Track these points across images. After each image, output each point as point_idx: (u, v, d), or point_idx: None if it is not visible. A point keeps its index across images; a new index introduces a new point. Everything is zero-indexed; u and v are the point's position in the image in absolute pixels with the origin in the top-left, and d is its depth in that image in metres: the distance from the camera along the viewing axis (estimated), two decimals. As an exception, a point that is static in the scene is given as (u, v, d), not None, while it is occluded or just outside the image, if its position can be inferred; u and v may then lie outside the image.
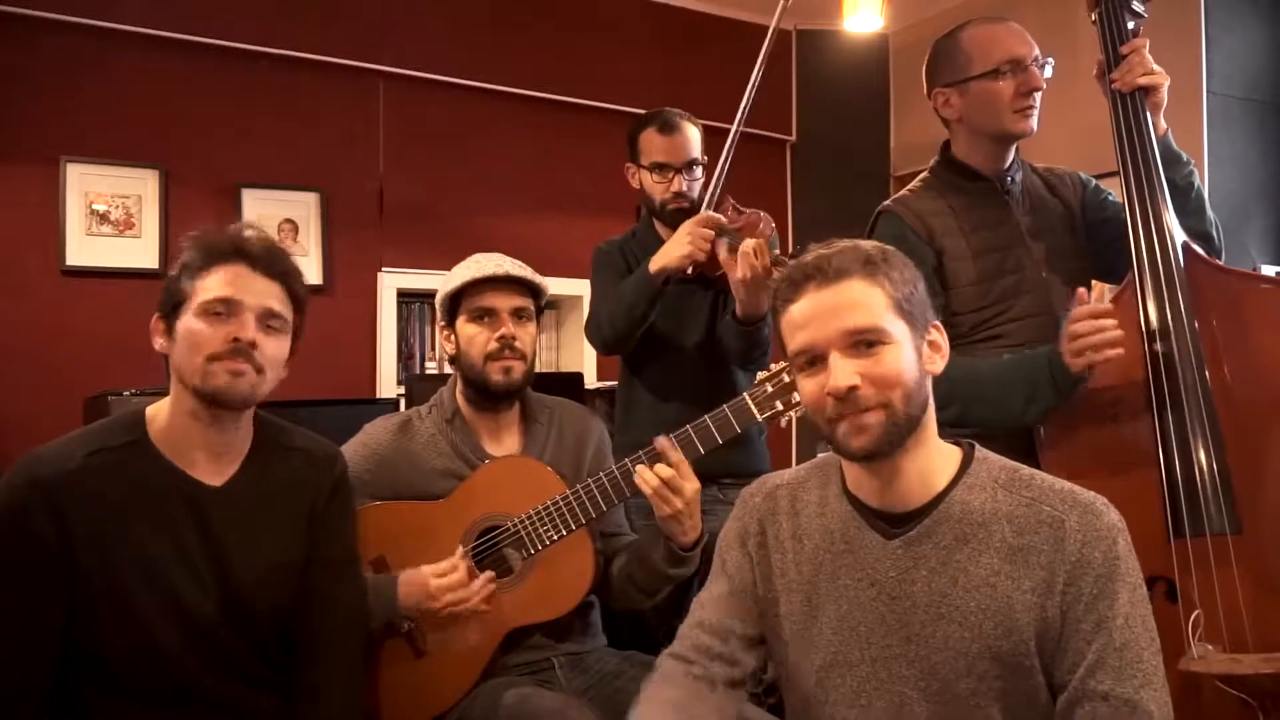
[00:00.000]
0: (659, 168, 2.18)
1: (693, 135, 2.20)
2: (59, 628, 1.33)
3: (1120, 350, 1.44)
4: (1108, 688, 1.04)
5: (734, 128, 2.17)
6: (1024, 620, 1.08)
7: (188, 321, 1.38)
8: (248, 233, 1.43)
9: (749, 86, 2.16)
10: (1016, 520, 1.12)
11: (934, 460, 1.17)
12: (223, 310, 1.38)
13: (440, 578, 1.60)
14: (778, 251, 1.95)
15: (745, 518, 1.31)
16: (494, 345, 1.75)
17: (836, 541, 1.20)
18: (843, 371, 1.09)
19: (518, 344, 1.76)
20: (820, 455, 1.33)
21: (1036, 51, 1.73)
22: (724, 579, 1.30)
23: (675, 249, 2.05)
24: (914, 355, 1.13)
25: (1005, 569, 1.10)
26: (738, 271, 1.94)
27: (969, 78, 1.74)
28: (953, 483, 1.16)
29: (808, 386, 1.14)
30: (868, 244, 1.17)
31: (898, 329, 1.11)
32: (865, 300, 1.11)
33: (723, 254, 2.00)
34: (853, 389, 1.09)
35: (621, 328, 2.14)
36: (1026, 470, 1.18)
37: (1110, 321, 1.45)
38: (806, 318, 1.13)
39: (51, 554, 1.31)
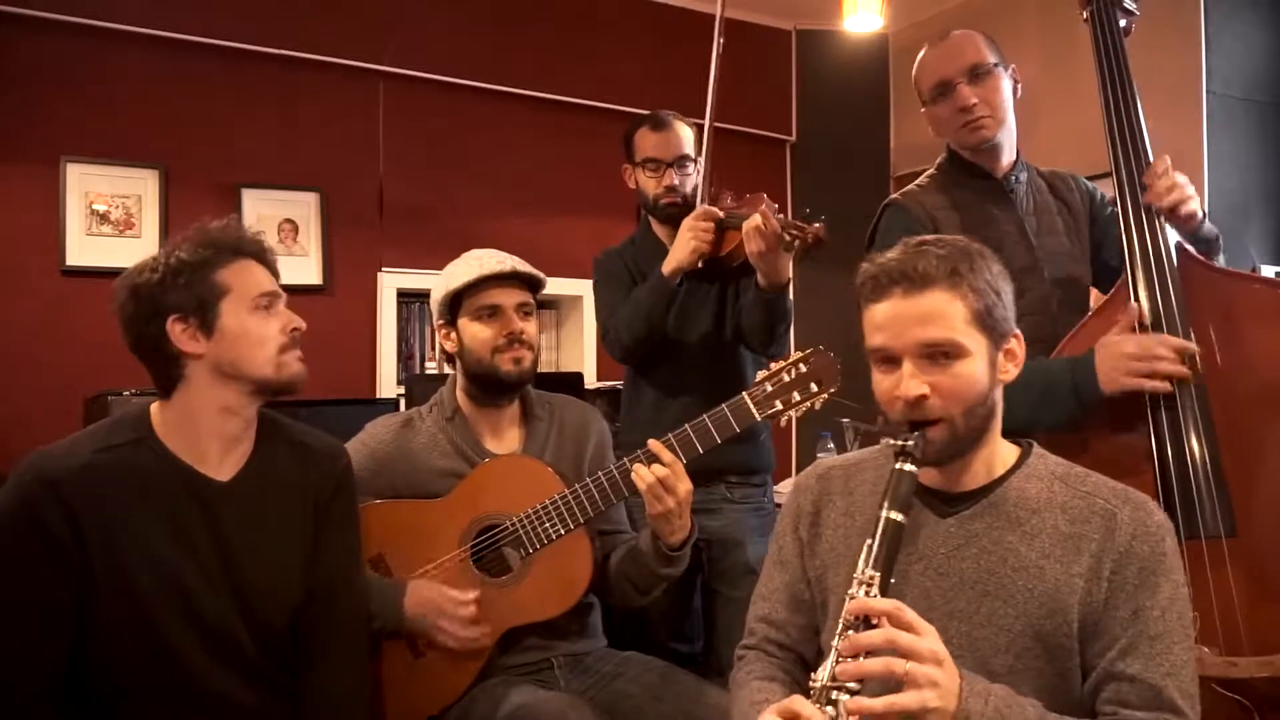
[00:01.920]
0: (651, 162, 2.23)
1: (684, 133, 2.25)
2: (70, 623, 1.33)
3: (1167, 386, 1.46)
4: (1135, 671, 1.08)
5: (706, 121, 2.22)
6: (1070, 603, 1.12)
7: (240, 318, 1.41)
8: (243, 230, 1.49)
9: (710, 79, 2.22)
10: (1070, 510, 1.16)
11: (995, 453, 1.23)
12: (269, 303, 1.44)
13: (456, 608, 1.63)
14: (783, 216, 1.97)
15: (799, 500, 1.36)
16: (502, 340, 1.76)
17: None
18: (914, 381, 1.14)
19: (525, 336, 1.78)
20: (865, 450, 1.38)
21: (974, 61, 1.74)
22: (779, 569, 1.35)
23: (682, 246, 2.09)
24: (987, 367, 1.16)
25: (1056, 553, 1.14)
26: (751, 246, 1.97)
27: (924, 105, 1.83)
28: (1010, 471, 1.22)
29: (882, 384, 1.19)
30: (959, 246, 1.18)
31: (974, 342, 1.15)
32: (946, 312, 1.14)
33: (745, 245, 2.02)
34: (922, 398, 1.13)
35: (641, 333, 2.15)
36: (1081, 469, 1.23)
37: (1178, 356, 1.46)
38: (887, 320, 1.16)
39: (63, 550, 1.31)
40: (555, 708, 1.54)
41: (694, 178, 2.23)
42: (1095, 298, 1.92)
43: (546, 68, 3.65)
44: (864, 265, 1.21)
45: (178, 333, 1.38)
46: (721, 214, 2.10)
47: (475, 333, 1.78)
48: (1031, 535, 1.16)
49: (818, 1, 3.88)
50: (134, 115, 2.98)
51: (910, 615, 1.04)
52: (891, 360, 1.16)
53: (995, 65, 1.75)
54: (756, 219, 1.93)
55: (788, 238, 1.92)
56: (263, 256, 1.47)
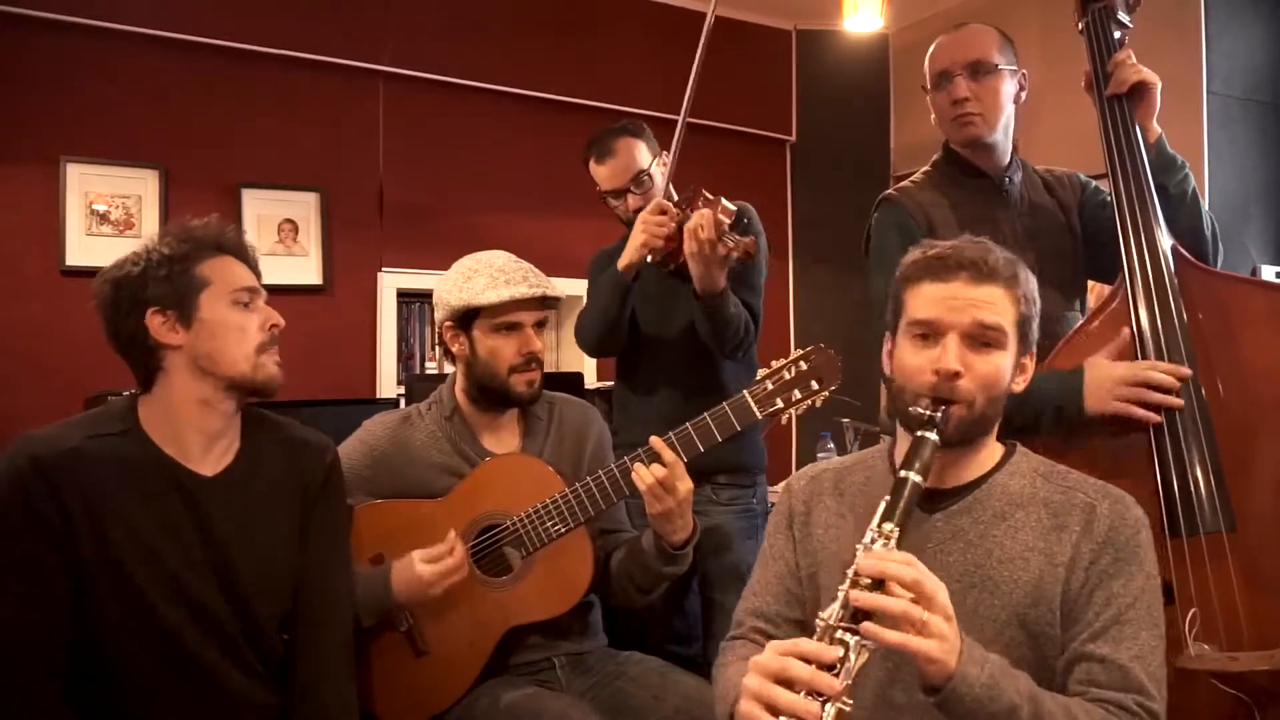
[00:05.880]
0: (611, 194, 2.21)
1: (630, 150, 2.18)
2: (68, 603, 1.33)
3: (1157, 418, 1.46)
4: (1105, 652, 1.13)
5: (681, 117, 2.14)
6: (1053, 591, 1.17)
7: (219, 312, 1.42)
8: (224, 227, 1.50)
9: (691, 75, 2.15)
10: (1053, 505, 1.22)
11: (985, 451, 1.28)
12: (248, 299, 1.45)
13: (434, 563, 1.60)
14: (728, 223, 1.94)
15: (791, 500, 1.39)
16: (519, 359, 1.76)
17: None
18: (956, 356, 1.19)
19: (541, 355, 1.79)
20: (855, 454, 1.42)
21: (977, 57, 1.74)
22: (770, 563, 1.37)
23: (633, 241, 2.08)
24: (1010, 369, 1.23)
25: (1039, 545, 1.19)
26: (688, 247, 1.94)
27: (926, 90, 1.83)
28: (995, 468, 1.27)
29: (914, 356, 1.23)
30: (1014, 257, 1.26)
31: (1011, 341, 1.23)
32: (1002, 304, 1.22)
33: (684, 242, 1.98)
34: (956, 375, 1.19)
35: (599, 328, 2.16)
36: (1063, 467, 1.28)
37: (1170, 385, 1.46)
38: (944, 298, 1.21)
39: (52, 528, 1.32)
40: (556, 707, 1.55)
41: (659, 181, 2.19)
42: (1095, 292, 1.92)
43: (546, 68, 3.65)
44: (918, 251, 1.27)
45: (157, 324, 1.41)
46: (673, 208, 2.05)
47: (493, 347, 1.77)
48: (1016, 529, 1.21)
49: (818, 1, 3.88)
50: (134, 115, 2.99)
51: (924, 569, 1.06)
52: (931, 336, 1.21)
53: (1000, 67, 1.75)
54: (695, 222, 1.90)
55: (722, 250, 1.91)
56: (243, 254, 1.49)
